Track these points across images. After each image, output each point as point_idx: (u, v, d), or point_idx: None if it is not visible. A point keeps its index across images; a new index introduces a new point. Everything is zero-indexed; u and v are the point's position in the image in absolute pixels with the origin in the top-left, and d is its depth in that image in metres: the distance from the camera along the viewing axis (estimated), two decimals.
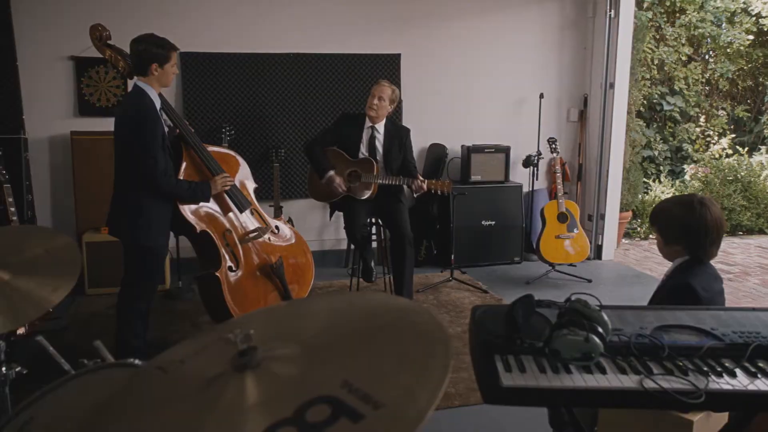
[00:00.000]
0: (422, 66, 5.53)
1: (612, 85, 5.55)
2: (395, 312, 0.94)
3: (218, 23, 5.04)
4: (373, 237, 4.79)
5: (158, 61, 3.13)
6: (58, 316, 4.03)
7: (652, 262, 5.83)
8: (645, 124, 7.35)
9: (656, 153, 7.34)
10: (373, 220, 4.69)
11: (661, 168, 7.37)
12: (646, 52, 7.18)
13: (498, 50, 5.67)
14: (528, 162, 5.45)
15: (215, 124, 5.02)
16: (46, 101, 4.81)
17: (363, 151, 4.33)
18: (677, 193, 6.94)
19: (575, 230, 5.07)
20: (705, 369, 1.39)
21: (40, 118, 4.81)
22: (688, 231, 2.04)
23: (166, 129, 3.28)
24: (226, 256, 3.36)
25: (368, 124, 4.32)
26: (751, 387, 1.33)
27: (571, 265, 5.17)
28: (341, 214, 4.49)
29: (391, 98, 4.25)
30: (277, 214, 5.01)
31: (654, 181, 7.18)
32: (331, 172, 4.21)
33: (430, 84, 5.58)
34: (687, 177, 7.22)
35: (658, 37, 7.41)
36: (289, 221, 5.12)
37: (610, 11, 5.46)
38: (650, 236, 6.72)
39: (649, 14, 7.01)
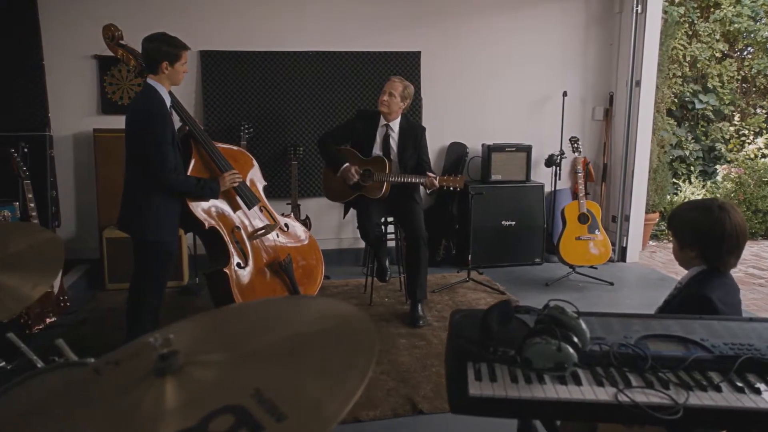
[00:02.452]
0: (443, 63, 5.47)
1: (638, 83, 5.39)
2: (333, 319, 0.91)
3: (237, 21, 5.07)
4: (390, 236, 4.75)
5: (169, 60, 3.15)
6: (75, 310, 4.11)
7: (678, 266, 5.64)
8: (676, 123, 7.13)
9: (687, 153, 7.11)
10: (389, 220, 4.65)
11: (692, 168, 7.14)
12: (678, 49, 6.96)
13: (520, 47, 5.57)
14: (550, 161, 5.34)
15: (234, 122, 5.05)
16: (71, 99, 4.92)
17: (377, 149, 4.29)
18: (708, 195, 6.72)
19: (596, 232, 4.94)
20: (688, 382, 1.32)
21: (64, 116, 4.93)
22: (704, 236, 1.91)
23: (176, 126, 3.31)
24: (234, 253, 3.37)
25: (382, 121, 4.28)
26: (735, 403, 1.25)
27: (592, 267, 5.05)
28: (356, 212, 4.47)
29: (403, 94, 4.18)
30: (295, 212, 5.02)
31: (684, 181, 6.96)
32: (347, 164, 4.19)
33: (451, 81, 5.51)
34: (719, 178, 6.98)
35: (690, 33, 7.18)
36: (307, 219, 5.13)
37: (637, 6, 5.30)
38: None
39: (681, 9, 6.79)
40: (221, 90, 5.11)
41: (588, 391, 1.28)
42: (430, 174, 4.12)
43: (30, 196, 3.80)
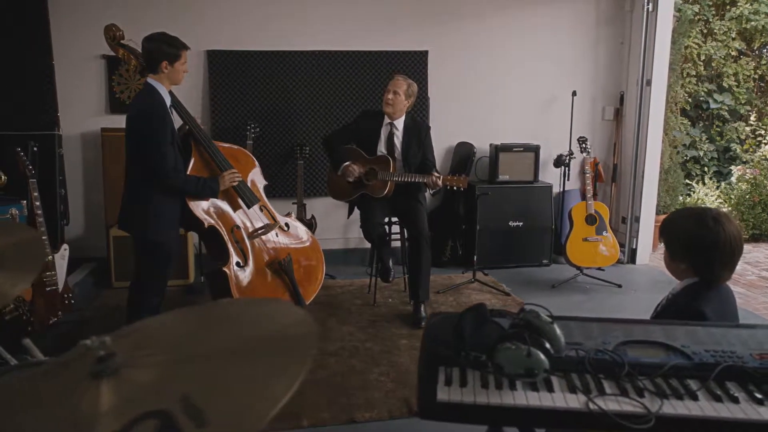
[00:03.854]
0: (450, 63, 5.43)
1: (649, 82, 5.31)
2: (277, 325, 0.89)
3: (244, 21, 5.08)
4: (395, 236, 4.73)
5: (168, 60, 3.17)
6: (80, 308, 4.14)
7: None
8: (690, 123, 7.01)
9: (701, 153, 6.99)
10: (394, 220, 4.63)
11: (706, 169, 7.02)
12: (692, 48, 6.85)
13: (529, 46, 5.51)
14: (559, 162, 5.29)
15: (240, 122, 5.06)
16: (80, 99, 4.97)
17: (381, 148, 4.28)
18: (722, 196, 6.59)
19: (604, 233, 4.88)
20: (665, 390, 1.28)
21: (73, 115, 4.98)
22: (697, 249, 1.83)
23: (177, 126, 3.32)
24: (234, 252, 3.38)
25: (387, 120, 4.26)
26: (710, 413, 1.22)
27: (599, 269, 4.98)
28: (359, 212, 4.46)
29: (407, 92, 4.16)
30: (301, 212, 5.03)
31: (697, 182, 6.84)
32: (347, 162, 4.19)
33: (458, 81, 5.47)
34: (733, 179, 6.85)
35: (705, 31, 7.05)
36: (312, 219, 5.13)
37: (648, 5, 5.22)
38: None
39: (696, 7, 6.67)
40: (228, 89, 5.12)
41: (559, 398, 1.25)
42: (434, 174, 4.09)
43: (35, 194, 3.83)
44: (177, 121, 3.36)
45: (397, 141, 4.27)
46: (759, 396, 1.26)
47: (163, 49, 3.16)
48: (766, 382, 1.29)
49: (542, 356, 1.25)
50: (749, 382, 1.31)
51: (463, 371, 1.33)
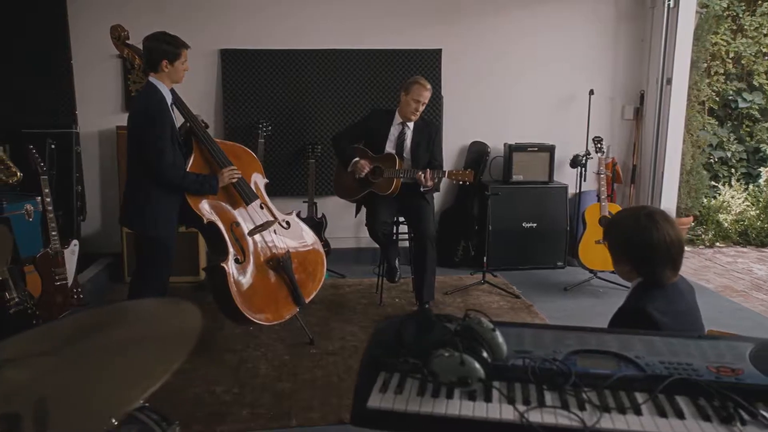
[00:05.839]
0: (464, 61, 5.36)
1: (669, 81, 5.15)
2: (162, 325, 0.88)
3: (257, 19, 5.11)
4: (403, 236, 4.69)
5: (168, 58, 3.21)
6: (89, 302, 4.22)
7: (711, 273, 5.38)
8: (717, 123, 6.78)
9: (729, 154, 6.75)
10: (401, 220, 4.59)
11: (734, 170, 6.77)
12: (720, 45, 6.61)
13: (545, 44, 5.41)
14: (575, 162, 5.17)
15: (253, 120, 5.10)
16: (97, 97, 5.08)
17: (390, 147, 4.26)
18: (750, 198, 6.36)
19: None
20: (608, 403, 1.22)
21: (90, 113, 5.09)
22: (632, 248, 1.81)
23: (178, 124, 3.36)
24: (232, 248, 3.39)
25: (398, 119, 4.24)
26: (650, 428, 1.15)
27: (613, 272, 4.84)
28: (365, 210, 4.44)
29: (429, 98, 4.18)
30: (311, 210, 5.03)
31: (724, 184, 6.61)
32: (357, 159, 4.18)
33: (473, 79, 5.40)
34: (762, 181, 6.60)
35: (735, 27, 6.80)
36: (323, 217, 5.13)
37: (669, 1, 5.06)
38: (716, 244, 6.20)
39: (725, 3, 6.45)
40: (241, 88, 5.16)
41: (494, 409, 1.20)
42: (420, 171, 4.02)
43: (47, 191, 3.92)
44: (179, 119, 3.40)
45: (407, 140, 4.25)
46: (709, 412, 1.19)
47: (163, 48, 3.19)
48: (720, 398, 1.22)
49: (476, 364, 1.20)
50: (701, 396, 1.24)
51: (403, 378, 1.30)
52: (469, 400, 1.23)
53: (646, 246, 1.77)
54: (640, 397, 1.25)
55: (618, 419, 1.18)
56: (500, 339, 1.28)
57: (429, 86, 4.13)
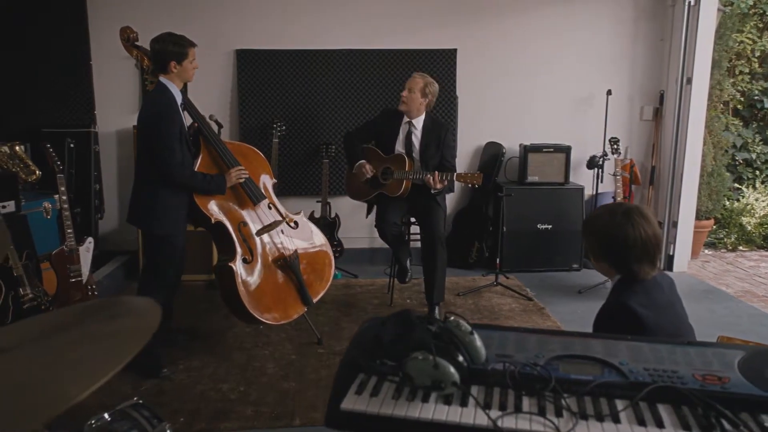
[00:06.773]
0: (480, 61, 5.32)
1: (689, 80, 5.04)
2: (118, 323, 0.88)
3: (273, 20, 5.14)
4: (415, 237, 4.67)
5: (176, 59, 3.24)
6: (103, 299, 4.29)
7: (732, 277, 5.25)
8: (742, 124, 6.62)
9: (754, 156, 6.58)
10: (413, 219, 4.58)
11: (759, 173, 6.60)
12: (746, 43, 6.45)
13: (562, 44, 5.34)
14: (592, 163, 5.09)
15: (267, 120, 5.13)
16: (115, 97, 5.15)
17: (399, 147, 4.24)
18: None
19: None
20: (586, 410, 1.20)
21: (109, 113, 5.17)
22: (609, 245, 1.81)
23: (188, 124, 3.39)
24: (240, 248, 3.41)
25: (405, 119, 4.22)
26: None
27: None
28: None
29: (424, 91, 4.10)
30: (325, 210, 5.04)
31: (748, 187, 6.45)
32: (361, 161, 4.18)
33: (488, 79, 5.36)
34: None
35: (761, 25, 6.63)
36: (336, 217, 5.13)
37: None
38: (738, 248, 6.05)
39: (751, 1, 6.29)
40: (256, 88, 5.19)
41: (468, 414, 1.18)
42: (428, 174, 3.99)
43: (63, 189, 3.99)
44: (188, 120, 3.44)
45: (416, 140, 4.22)
46: (690, 421, 1.16)
47: (170, 49, 3.22)
48: (704, 406, 1.19)
49: (451, 369, 1.18)
50: (684, 405, 1.21)
51: (381, 380, 1.29)
52: (445, 405, 1.22)
53: (622, 243, 1.78)
54: (620, 404, 1.22)
55: (594, 426, 1.15)
56: (478, 343, 1.27)
57: (419, 76, 4.12)
